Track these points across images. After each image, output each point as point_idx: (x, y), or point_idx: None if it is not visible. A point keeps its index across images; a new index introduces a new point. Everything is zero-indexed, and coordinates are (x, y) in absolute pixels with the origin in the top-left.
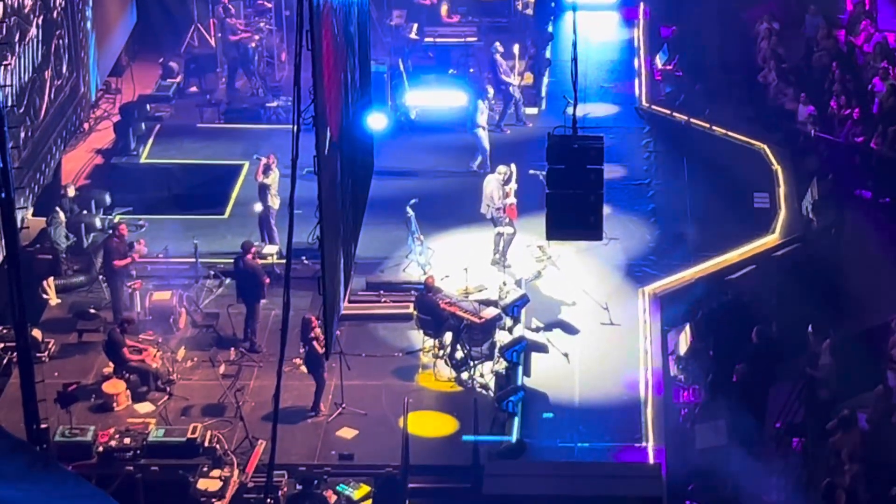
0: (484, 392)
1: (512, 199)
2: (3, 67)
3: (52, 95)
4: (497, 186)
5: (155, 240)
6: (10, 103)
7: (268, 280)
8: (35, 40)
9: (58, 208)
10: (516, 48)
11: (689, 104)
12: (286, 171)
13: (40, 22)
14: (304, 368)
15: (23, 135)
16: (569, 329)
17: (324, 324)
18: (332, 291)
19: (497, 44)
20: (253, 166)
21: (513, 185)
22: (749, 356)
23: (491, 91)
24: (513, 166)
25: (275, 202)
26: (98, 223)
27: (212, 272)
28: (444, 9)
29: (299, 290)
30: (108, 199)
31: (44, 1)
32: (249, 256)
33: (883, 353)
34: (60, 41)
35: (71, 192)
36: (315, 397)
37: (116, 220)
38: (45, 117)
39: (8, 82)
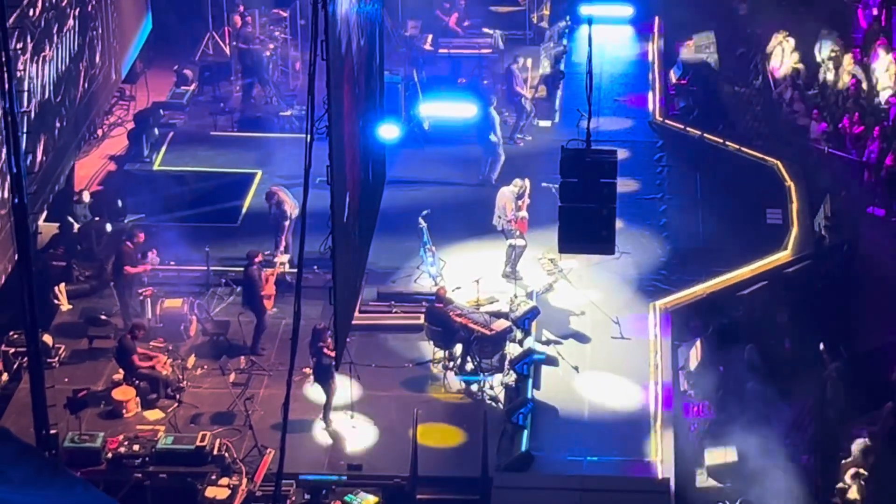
0: (494, 404)
1: (524, 213)
2: (41, 59)
3: (87, 84)
4: (511, 199)
5: (166, 247)
6: (46, 94)
7: (268, 292)
8: (72, 31)
9: (69, 217)
10: (529, 61)
11: (703, 119)
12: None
13: (77, 14)
14: (313, 379)
15: (58, 124)
16: (579, 342)
17: (335, 334)
18: (343, 302)
19: (520, 57)
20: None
21: (526, 200)
22: (752, 374)
23: (494, 101)
24: (527, 181)
25: (295, 212)
26: (109, 229)
27: (223, 280)
28: (453, 18)
29: (310, 300)
30: (119, 204)
31: None
32: (253, 266)
33: (892, 372)
34: (94, 32)
35: (86, 197)
36: (325, 409)
37: (129, 226)
38: (80, 105)
39: (46, 73)
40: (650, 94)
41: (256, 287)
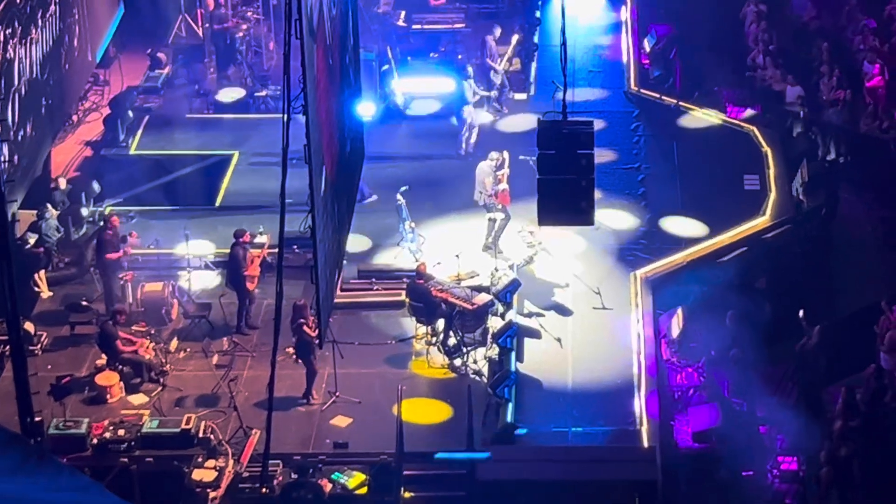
0: (477, 378)
1: (504, 185)
2: (28, 41)
3: (67, 66)
4: (489, 173)
5: (145, 231)
6: (34, 73)
7: (252, 272)
8: (54, 17)
9: (48, 204)
10: (498, 32)
11: (679, 86)
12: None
13: (57, 1)
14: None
15: (44, 101)
16: (561, 314)
17: (317, 313)
18: (325, 281)
19: (497, 29)
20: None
21: (505, 171)
22: (734, 340)
23: (470, 70)
24: (505, 153)
25: None
26: (86, 213)
27: (203, 262)
28: None
29: (292, 279)
30: (96, 187)
31: None
32: (238, 247)
33: (874, 334)
34: (72, 18)
35: (62, 184)
36: (307, 385)
37: (108, 211)
38: (62, 84)
39: (34, 53)
40: (625, 64)
41: (239, 266)
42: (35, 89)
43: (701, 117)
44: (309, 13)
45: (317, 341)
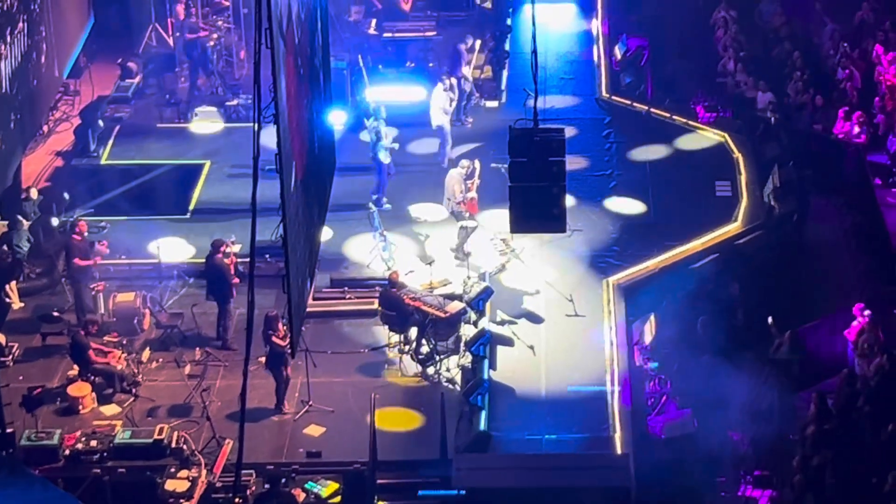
0: (450, 386)
1: (473, 194)
2: None
3: (35, 82)
4: (458, 181)
5: (116, 241)
6: (3, 88)
7: (237, 280)
8: (22, 34)
9: (19, 215)
10: (470, 41)
11: (650, 93)
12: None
13: (25, 18)
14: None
15: (13, 116)
16: (534, 321)
17: (289, 322)
18: (296, 290)
19: (469, 38)
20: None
21: (476, 181)
22: (707, 346)
23: (446, 81)
24: (476, 162)
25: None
26: (56, 223)
27: (175, 273)
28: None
29: (264, 289)
30: (66, 197)
31: (24, 3)
32: (219, 255)
33: (846, 339)
34: (40, 36)
35: (33, 194)
36: (277, 396)
37: (73, 219)
38: (31, 99)
39: (2, 69)
40: (596, 71)
41: (226, 276)
42: (4, 104)
43: (672, 123)
44: (279, 18)
45: (288, 351)
